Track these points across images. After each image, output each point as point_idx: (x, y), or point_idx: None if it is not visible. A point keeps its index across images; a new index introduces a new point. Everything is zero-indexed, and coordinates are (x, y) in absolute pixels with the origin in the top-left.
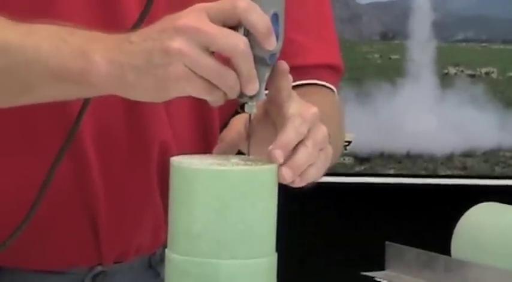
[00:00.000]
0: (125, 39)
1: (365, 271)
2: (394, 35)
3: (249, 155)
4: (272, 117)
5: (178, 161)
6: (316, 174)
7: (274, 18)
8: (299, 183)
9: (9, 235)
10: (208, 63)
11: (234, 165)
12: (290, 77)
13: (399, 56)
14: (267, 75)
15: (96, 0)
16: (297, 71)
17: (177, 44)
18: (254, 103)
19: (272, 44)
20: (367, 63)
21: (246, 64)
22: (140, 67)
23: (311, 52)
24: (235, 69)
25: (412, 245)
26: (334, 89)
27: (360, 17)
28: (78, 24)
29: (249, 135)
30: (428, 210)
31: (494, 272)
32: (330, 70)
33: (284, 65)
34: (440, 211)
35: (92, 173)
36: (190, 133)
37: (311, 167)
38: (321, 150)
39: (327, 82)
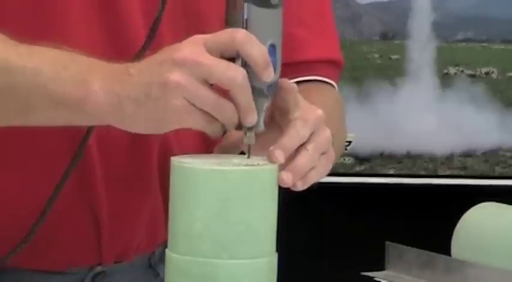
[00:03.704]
0: (124, 71)
1: (365, 271)
2: (394, 35)
3: (249, 156)
4: (277, 121)
5: (179, 161)
6: (317, 178)
7: (271, 49)
8: (300, 187)
9: (17, 245)
10: (207, 96)
11: (235, 166)
12: (296, 89)
13: (399, 56)
14: (265, 105)
15: (103, 24)
16: (298, 66)
17: (176, 76)
18: (253, 134)
19: (270, 76)
20: (367, 63)
21: (245, 96)
22: (139, 99)
23: (311, 47)
24: (233, 101)
25: (412, 245)
26: (335, 84)
27: (360, 17)
28: (84, 46)
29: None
30: (428, 210)
31: (494, 272)
32: (331, 65)
33: (287, 83)
34: (440, 211)
35: (95, 175)
36: (191, 135)
37: (312, 171)
38: (322, 153)
39: (327, 78)
